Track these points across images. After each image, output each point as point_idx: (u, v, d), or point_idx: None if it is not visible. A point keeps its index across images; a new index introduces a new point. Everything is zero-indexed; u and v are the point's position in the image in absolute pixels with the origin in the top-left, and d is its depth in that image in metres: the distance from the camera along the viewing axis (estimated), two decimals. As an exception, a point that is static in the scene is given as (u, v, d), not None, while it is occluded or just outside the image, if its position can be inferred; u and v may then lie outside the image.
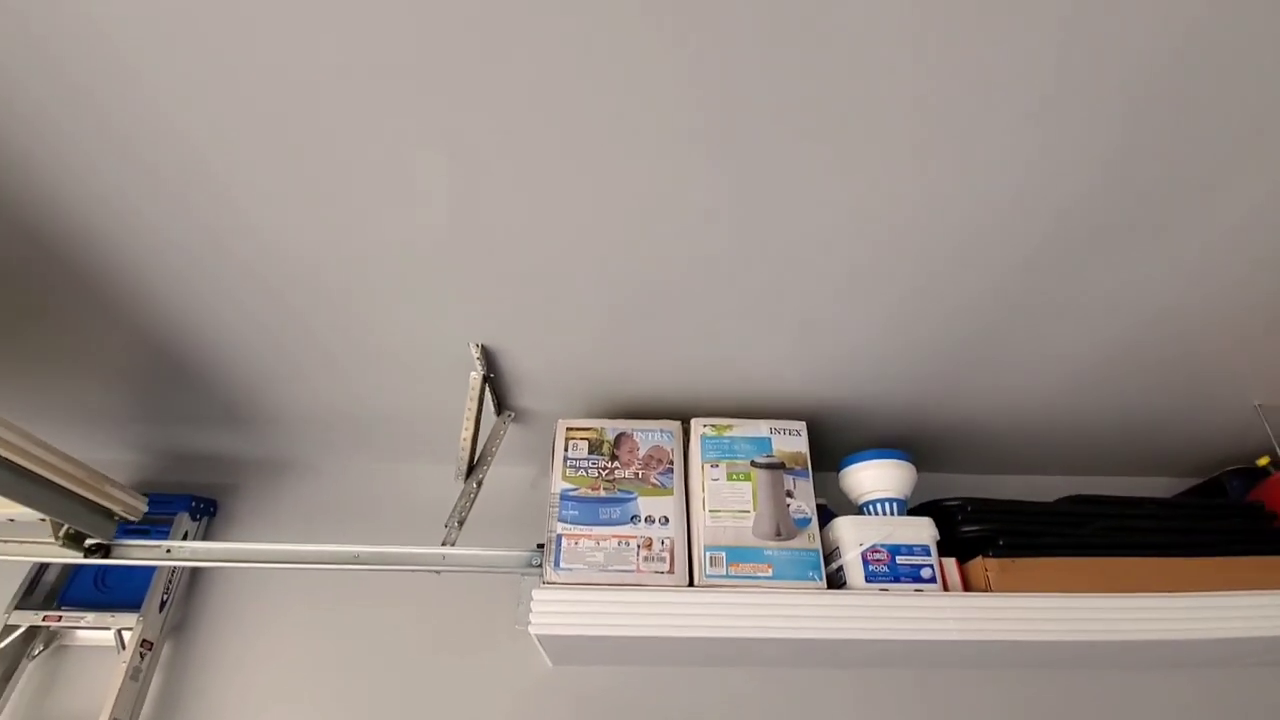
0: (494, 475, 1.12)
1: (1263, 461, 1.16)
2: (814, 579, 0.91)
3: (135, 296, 0.88)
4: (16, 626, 1.07)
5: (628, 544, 0.92)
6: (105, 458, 1.27)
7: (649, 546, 0.92)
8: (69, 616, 1.09)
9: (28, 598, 1.11)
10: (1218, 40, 0.58)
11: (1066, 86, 0.61)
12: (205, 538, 1.25)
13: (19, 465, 0.78)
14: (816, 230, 0.77)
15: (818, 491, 1.01)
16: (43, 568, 1.14)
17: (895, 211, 0.74)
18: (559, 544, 0.92)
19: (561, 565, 0.90)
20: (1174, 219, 0.77)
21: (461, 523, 0.99)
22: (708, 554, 0.92)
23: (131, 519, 0.96)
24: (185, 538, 1.20)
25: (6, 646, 1.06)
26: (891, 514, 1.01)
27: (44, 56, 0.59)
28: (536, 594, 0.88)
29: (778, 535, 0.94)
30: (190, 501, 1.22)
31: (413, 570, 0.96)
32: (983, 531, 1.00)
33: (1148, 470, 1.36)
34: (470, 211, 0.74)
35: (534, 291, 0.87)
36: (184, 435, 1.25)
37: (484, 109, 0.63)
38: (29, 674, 1.11)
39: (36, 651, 1.11)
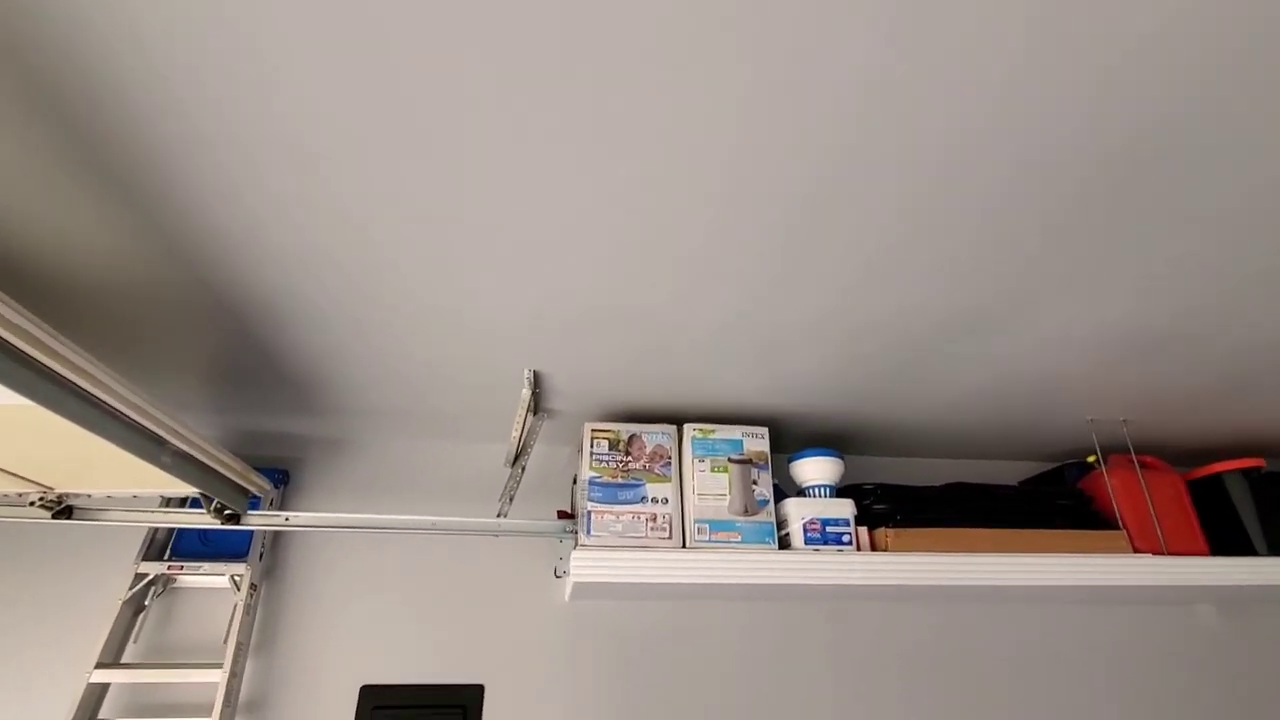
0: (535, 451, 1.45)
1: (1091, 459, 1.60)
2: (769, 543, 1.29)
3: (245, 316, 1.10)
4: (145, 574, 1.36)
5: (639, 518, 1.28)
6: (193, 436, 1.54)
7: (654, 520, 1.28)
8: (189, 566, 1.37)
9: (149, 551, 1.39)
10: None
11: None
12: (282, 502, 1.54)
13: (202, 461, 1.07)
14: (784, 295, 1.09)
15: (775, 474, 1.39)
16: (156, 529, 1.42)
17: (832, 289, 1.08)
18: (589, 518, 1.27)
19: (592, 532, 1.25)
20: (1032, 310, 1.14)
21: (512, 498, 1.33)
22: (695, 525, 1.28)
23: (259, 496, 1.25)
24: (272, 504, 1.49)
25: (138, 590, 1.35)
26: (825, 496, 1.39)
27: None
28: (575, 553, 1.22)
29: (745, 512, 1.31)
30: (274, 473, 1.50)
31: (477, 535, 1.30)
32: (886, 509, 1.40)
33: (1015, 456, 1.80)
34: (538, 282, 1.03)
35: (574, 334, 1.17)
36: (261, 417, 1.51)
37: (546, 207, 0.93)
38: (153, 611, 1.40)
39: (158, 593, 1.40)
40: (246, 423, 1.54)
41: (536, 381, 1.30)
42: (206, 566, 1.38)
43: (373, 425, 1.56)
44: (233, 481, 1.18)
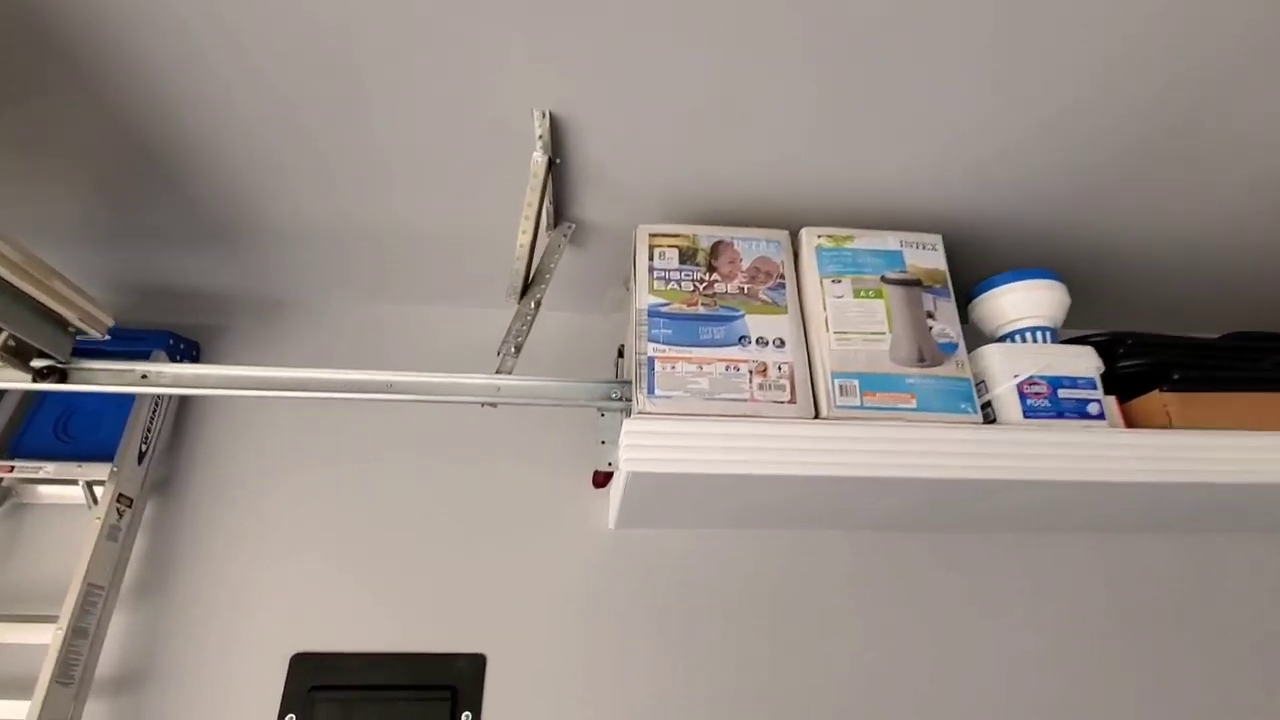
0: (544, 316, 0.92)
1: None
2: (968, 411, 0.74)
3: (111, 71, 0.63)
4: (-42, 479, 0.87)
5: (737, 369, 0.74)
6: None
7: (763, 373, 0.74)
8: (23, 467, 0.88)
9: (-30, 447, 0.90)
10: None
11: None
12: (188, 386, 1.04)
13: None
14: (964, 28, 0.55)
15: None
16: (-13, 413, 0.93)
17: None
18: (652, 367, 0.73)
19: (657, 392, 0.72)
20: None
21: (518, 349, 0.80)
22: (836, 382, 0.74)
23: (92, 333, 0.74)
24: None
25: (-51, 502, 0.87)
26: (1044, 343, 0.84)
27: None
28: (628, 425, 0.69)
29: (920, 361, 0.76)
30: (168, 339, 1.00)
31: (461, 402, 0.77)
32: (1146, 366, 0.83)
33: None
34: None
35: (616, 48, 0.64)
36: (162, 261, 1.01)
37: None
38: (-16, 537, 0.92)
39: (-11, 511, 0.92)
40: (140, 269, 1.03)
41: (554, 136, 0.76)
42: (51, 468, 0.88)
43: (321, 278, 1.05)
44: (35, 302, 0.67)
